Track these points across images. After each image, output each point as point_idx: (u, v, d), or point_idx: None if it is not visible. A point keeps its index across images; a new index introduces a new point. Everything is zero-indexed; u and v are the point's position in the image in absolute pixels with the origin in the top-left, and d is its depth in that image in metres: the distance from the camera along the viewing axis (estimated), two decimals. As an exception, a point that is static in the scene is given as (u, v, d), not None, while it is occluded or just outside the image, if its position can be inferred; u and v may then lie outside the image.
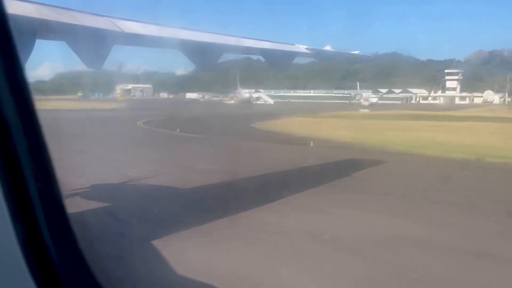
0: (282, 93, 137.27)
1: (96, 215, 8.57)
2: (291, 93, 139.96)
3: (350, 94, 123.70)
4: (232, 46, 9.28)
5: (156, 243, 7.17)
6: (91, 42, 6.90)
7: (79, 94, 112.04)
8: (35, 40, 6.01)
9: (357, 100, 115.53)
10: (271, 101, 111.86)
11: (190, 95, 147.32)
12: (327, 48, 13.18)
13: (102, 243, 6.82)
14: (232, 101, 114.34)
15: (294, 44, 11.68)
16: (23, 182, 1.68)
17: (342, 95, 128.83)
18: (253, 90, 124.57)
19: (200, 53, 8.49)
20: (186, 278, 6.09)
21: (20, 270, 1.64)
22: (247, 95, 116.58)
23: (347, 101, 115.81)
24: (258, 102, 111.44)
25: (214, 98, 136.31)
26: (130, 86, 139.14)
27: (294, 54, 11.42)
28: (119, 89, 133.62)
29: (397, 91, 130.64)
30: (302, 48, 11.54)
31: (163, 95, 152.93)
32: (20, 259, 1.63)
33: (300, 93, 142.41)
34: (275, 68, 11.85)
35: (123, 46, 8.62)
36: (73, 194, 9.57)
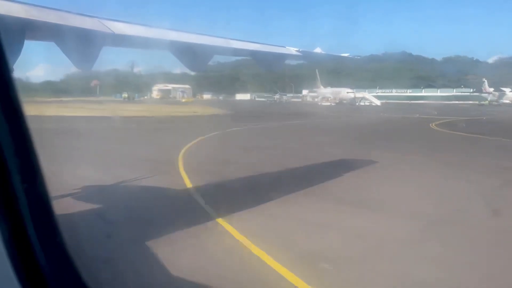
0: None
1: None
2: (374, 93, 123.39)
3: (493, 93, 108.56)
4: (222, 48, 9.29)
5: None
6: (80, 43, 6.86)
7: (124, 95, 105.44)
8: (23, 41, 5.96)
9: (487, 101, 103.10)
10: (377, 102, 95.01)
11: (240, 96, 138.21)
12: (317, 50, 13.25)
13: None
14: (328, 103, 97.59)
15: (284, 46, 11.73)
16: (9, 183, 1.68)
17: (465, 94, 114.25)
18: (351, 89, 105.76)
19: (189, 54, 8.50)
20: None
21: (6, 273, 1.63)
22: (351, 95, 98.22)
23: (470, 102, 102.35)
24: (362, 103, 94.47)
25: (295, 99, 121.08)
26: (170, 87, 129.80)
27: (284, 56, 11.48)
28: (156, 89, 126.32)
29: (507, 90, 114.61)
30: (292, 50, 11.59)
31: (207, 96, 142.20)
32: (5, 261, 1.62)
33: (379, 92, 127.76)
34: (265, 70, 11.88)
35: (114, 47, 8.58)
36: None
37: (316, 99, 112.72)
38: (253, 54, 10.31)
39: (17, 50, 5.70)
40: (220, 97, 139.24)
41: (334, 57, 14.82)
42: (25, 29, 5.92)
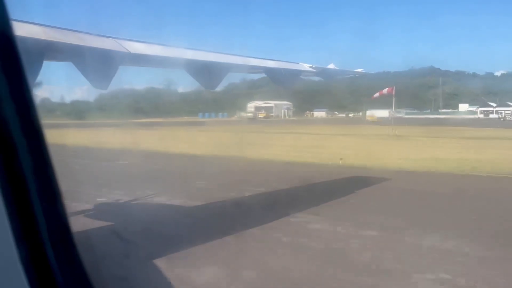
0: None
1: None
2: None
3: None
4: (237, 65, 9.35)
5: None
6: (98, 63, 6.97)
7: (249, 115, 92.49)
8: (42, 62, 6.07)
9: None
10: None
11: (376, 112, 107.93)
12: (331, 66, 13.26)
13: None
14: None
15: (298, 63, 11.77)
16: (28, 202, 1.66)
17: None
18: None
19: (205, 72, 8.56)
20: None
21: None
22: None
23: None
24: None
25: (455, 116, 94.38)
26: (272, 103, 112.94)
27: (298, 73, 11.50)
28: (252, 107, 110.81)
29: None
30: (306, 66, 11.62)
31: (319, 113, 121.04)
32: (23, 279, 1.60)
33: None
34: (280, 86, 11.91)
35: (130, 66, 8.70)
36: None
37: None
38: (268, 71, 10.35)
39: (36, 71, 5.80)
40: (350, 115, 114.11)
41: (347, 72, 14.81)
42: (45, 50, 6.04)
